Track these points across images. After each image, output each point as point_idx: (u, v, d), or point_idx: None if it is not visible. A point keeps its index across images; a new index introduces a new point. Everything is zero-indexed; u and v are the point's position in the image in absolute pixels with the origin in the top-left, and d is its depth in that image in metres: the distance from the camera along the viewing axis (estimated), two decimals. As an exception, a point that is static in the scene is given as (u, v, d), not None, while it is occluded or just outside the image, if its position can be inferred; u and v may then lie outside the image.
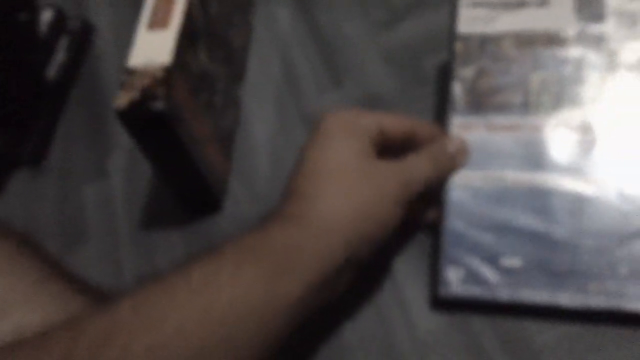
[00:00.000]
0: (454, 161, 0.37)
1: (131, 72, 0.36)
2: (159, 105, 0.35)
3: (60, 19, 0.53)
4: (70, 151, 0.50)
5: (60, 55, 0.53)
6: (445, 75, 0.43)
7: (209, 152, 0.41)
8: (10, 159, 0.50)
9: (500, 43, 0.40)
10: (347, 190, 0.32)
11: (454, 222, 0.36)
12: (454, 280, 0.35)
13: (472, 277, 0.35)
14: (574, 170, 0.36)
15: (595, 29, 0.39)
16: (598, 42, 0.39)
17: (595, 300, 0.33)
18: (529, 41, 0.40)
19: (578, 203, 0.35)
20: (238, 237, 0.31)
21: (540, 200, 0.35)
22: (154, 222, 0.44)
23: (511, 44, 0.40)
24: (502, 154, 0.37)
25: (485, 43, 0.40)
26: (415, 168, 0.35)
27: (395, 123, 0.36)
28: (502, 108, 0.38)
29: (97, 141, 0.50)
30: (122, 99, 0.35)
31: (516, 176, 0.36)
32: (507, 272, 0.34)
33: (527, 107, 0.38)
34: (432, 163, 0.36)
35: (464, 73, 0.40)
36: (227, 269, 0.29)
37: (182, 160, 0.39)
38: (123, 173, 0.48)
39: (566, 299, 0.33)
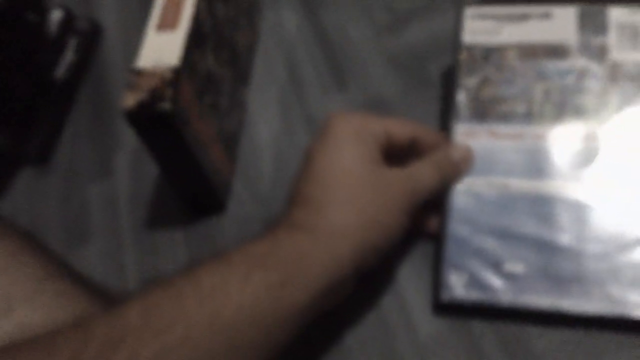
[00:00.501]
0: (459, 168, 0.37)
1: (139, 73, 0.36)
2: (165, 106, 0.35)
3: (69, 19, 0.53)
4: (76, 150, 0.50)
5: (68, 55, 0.53)
6: (449, 80, 0.44)
7: (214, 154, 0.41)
8: (16, 158, 0.50)
9: (504, 54, 0.41)
10: (354, 197, 0.32)
11: (457, 228, 0.36)
12: (457, 285, 0.35)
13: (475, 281, 0.35)
14: (577, 177, 0.36)
15: (597, 40, 0.40)
16: (600, 53, 0.39)
17: (598, 306, 0.33)
18: (532, 52, 0.40)
19: (581, 210, 0.35)
20: (246, 244, 0.31)
21: (543, 207, 0.36)
22: (157, 222, 0.44)
23: (515, 54, 0.40)
24: (506, 161, 0.37)
25: (490, 53, 0.41)
26: (421, 176, 0.35)
27: (401, 129, 0.36)
28: (506, 117, 0.39)
29: (102, 141, 0.50)
30: (130, 100, 0.35)
31: (520, 183, 0.37)
32: (510, 277, 0.34)
33: (530, 116, 0.38)
34: (437, 170, 0.36)
35: (469, 82, 0.40)
36: (236, 277, 0.29)
37: (186, 161, 0.39)
38: (128, 173, 0.48)
39: (569, 305, 0.33)
